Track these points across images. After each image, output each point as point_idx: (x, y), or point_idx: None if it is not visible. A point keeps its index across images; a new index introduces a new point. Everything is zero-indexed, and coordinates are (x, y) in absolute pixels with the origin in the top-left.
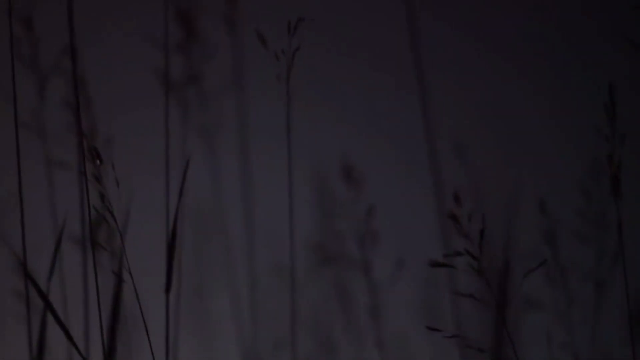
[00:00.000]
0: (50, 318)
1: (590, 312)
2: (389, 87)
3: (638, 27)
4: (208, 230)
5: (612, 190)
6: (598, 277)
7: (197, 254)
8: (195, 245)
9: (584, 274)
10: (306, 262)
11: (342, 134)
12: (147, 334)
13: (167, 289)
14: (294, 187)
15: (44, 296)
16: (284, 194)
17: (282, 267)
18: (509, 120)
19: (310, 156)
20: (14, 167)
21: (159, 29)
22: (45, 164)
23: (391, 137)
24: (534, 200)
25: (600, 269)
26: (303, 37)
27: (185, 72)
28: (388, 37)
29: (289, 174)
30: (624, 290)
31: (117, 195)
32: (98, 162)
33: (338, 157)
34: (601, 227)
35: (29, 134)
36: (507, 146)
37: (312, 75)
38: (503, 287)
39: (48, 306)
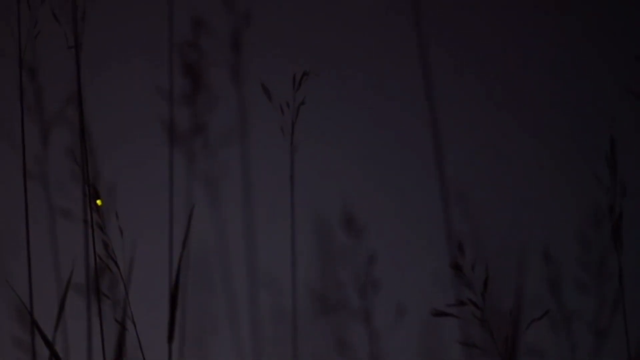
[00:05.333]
0: None
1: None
2: (391, 137)
3: None
4: (211, 279)
5: (613, 240)
6: (599, 326)
7: (200, 302)
8: (198, 294)
9: (586, 322)
10: (308, 310)
11: (345, 182)
12: None
13: (170, 339)
14: (297, 235)
15: (50, 346)
16: (287, 242)
17: (284, 315)
18: (511, 170)
19: (313, 205)
20: (19, 216)
21: (165, 79)
22: (48, 212)
23: (393, 186)
24: (535, 250)
25: (601, 317)
26: (308, 90)
27: (191, 122)
28: (392, 87)
29: (291, 223)
30: (625, 338)
31: (121, 244)
32: (98, 203)
33: (340, 206)
34: (601, 277)
35: (32, 182)
36: (509, 195)
37: (316, 125)
38: (512, 339)
39: (55, 356)
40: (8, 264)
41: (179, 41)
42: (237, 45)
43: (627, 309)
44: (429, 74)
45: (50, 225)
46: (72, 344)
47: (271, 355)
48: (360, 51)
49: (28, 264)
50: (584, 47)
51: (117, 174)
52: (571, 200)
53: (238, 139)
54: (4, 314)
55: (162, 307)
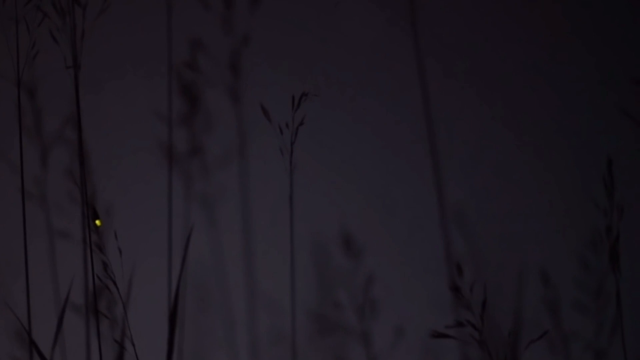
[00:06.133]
0: None
1: None
2: (390, 159)
3: (637, 102)
4: (209, 299)
5: (611, 262)
6: (597, 346)
7: (198, 322)
8: (196, 314)
9: (584, 343)
10: (306, 332)
11: (343, 203)
12: None
13: (169, 359)
14: (295, 256)
15: None
16: (286, 263)
17: (282, 336)
18: (510, 192)
19: (312, 226)
20: (18, 236)
21: (163, 100)
22: (47, 233)
23: (392, 207)
24: (534, 271)
25: (600, 338)
26: (307, 110)
27: (189, 143)
28: (391, 106)
29: (290, 243)
30: (623, 359)
31: (120, 264)
32: (97, 223)
33: (338, 227)
34: (600, 298)
35: (31, 202)
36: (508, 218)
37: (315, 146)
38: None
39: None
40: (7, 284)
41: (177, 62)
42: (235, 66)
43: (625, 329)
44: (427, 94)
45: (49, 246)
46: None
47: None
48: (360, 71)
49: (26, 284)
50: (582, 68)
51: (116, 194)
52: (570, 222)
53: (237, 159)
54: (3, 334)
55: (160, 327)
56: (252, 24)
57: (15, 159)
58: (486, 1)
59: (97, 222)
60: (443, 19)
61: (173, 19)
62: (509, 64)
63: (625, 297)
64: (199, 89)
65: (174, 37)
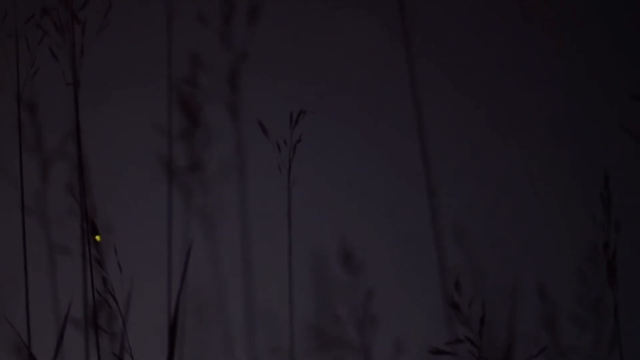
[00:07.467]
0: None
1: None
2: (389, 174)
3: (634, 118)
4: (208, 313)
5: (608, 277)
6: None
7: (197, 336)
8: (195, 328)
9: (583, 358)
10: (305, 346)
11: (342, 218)
12: None
13: None
14: (294, 271)
15: None
16: (284, 278)
17: (281, 350)
18: (508, 208)
19: (311, 241)
20: (17, 250)
21: (163, 115)
22: (47, 247)
23: (391, 222)
24: (533, 286)
25: (598, 353)
26: (305, 126)
27: (188, 158)
28: (390, 122)
29: (289, 259)
30: None
31: (120, 279)
32: (96, 238)
33: (337, 242)
34: (598, 312)
35: (31, 217)
36: (506, 233)
37: (313, 161)
38: None
39: None
40: (6, 299)
41: (176, 78)
42: (234, 82)
43: (623, 344)
44: (420, 110)
45: (48, 261)
46: None
47: None
48: (358, 85)
49: (26, 299)
50: (581, 83)
51: (115, 209)
52: (568, 236)
53: (235, 175)
54: (2, 349)
55: (160, 341)
56: (251, 39)
57: (15, 174)
58: (481, 11)
59: (97, 237)
60: (437, 26)
61: (173, 34)
62: (505, 76)
63: (623, 311)
64: (198, 105)
65: (173, 52)
